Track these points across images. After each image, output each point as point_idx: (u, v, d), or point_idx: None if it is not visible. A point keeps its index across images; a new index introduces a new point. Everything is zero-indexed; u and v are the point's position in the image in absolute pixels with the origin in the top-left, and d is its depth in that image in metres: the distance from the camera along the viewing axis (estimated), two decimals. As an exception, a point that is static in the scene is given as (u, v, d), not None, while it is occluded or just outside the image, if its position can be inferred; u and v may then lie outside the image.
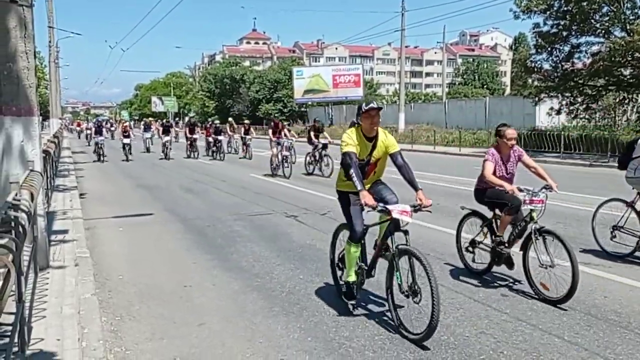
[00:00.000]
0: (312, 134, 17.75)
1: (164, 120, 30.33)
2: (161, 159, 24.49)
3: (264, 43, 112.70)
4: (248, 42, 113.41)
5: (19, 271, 3.40)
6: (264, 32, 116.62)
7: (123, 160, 23.23)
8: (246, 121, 25.82)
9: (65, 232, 7.82)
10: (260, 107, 63.68)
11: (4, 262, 2.79)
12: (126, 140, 24.21)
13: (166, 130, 26.23)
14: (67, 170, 17.38)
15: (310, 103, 55.69)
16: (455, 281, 5.96)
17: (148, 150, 29.60)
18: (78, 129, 54.68)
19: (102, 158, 23.37)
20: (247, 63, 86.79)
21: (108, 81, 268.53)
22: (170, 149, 25.09)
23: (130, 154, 24.14)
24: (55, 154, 14.51)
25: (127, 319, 5.02)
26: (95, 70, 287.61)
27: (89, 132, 38.25)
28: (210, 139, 25.62)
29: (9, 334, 3.33)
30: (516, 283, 5.86)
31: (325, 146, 17.07)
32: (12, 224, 3.53)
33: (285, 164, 16.59)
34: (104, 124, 32.95)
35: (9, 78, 5.44)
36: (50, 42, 34.19)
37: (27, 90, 5.58)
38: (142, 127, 35.07)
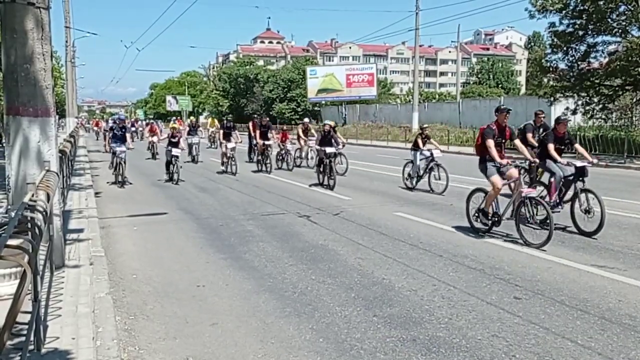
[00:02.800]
0: (301, 133, 19.62)
1: (225, 120, 20.95)
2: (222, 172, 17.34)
3: (277, 42, 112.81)
4: (262, 42, 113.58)
5: (35, 271, 3.45)
6: (278, 32, 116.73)
7: (166, 182, 15.13)
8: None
9: (80, 231, 7.90)
10: (274, 106, 63.81)
11: (20, 263, 2.84)
12: (175, 152, 15.20)
13: (227, 135, 17.88)
14: (83, 169, 17.56)
15: (323, 102, 55.71)
16: (468, 284, 5.93)
17: (195, 160, 21.38)
18: (96, 128, 50.22)
19: (121, 178, 14.61)
20: (261, 62, 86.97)
21: (123, 80, 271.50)
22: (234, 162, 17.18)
23: (177, 172, 15.11)
24: (71, 153, 14.66)
25: (140, 318, 5.07)
26: (111, 69, 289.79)
27: (106, 132, 26.26)
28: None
29: (25, 332, 3.38)
30: (529, 286, 5.82)
31: (335, 155, 14.39)
32: (29, 224, 3.59)
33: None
34: (128, 125, 24.62)
35: (26, 79, 5.51)
36: (67, 42, 34.62)
37: (44, 91, 5.65)
38: (186, 127, 26.73)
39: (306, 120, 21.03)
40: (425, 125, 14.13)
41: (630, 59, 21.10)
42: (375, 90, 52.66)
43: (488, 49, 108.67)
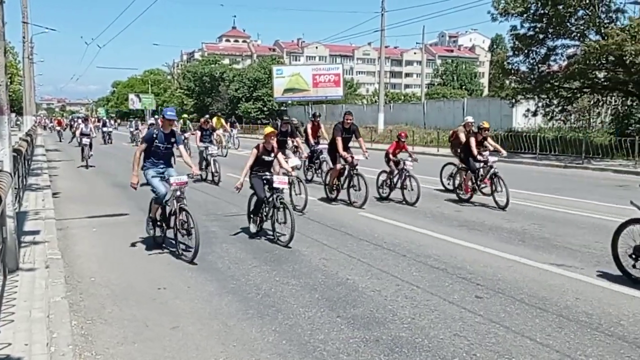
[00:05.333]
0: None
1: (279, 121, 14.91)
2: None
3: (243, 41, 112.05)
4: (228, 40, 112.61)
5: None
6: (244, 30, 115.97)
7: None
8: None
9: (36, 233, 7.66)
10: (239, 105, 63.27)
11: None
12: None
13: (283, 144, 12.75)
14: (40, 168, 17.05)
15: (290, 102, 55.57)
16: (431, 283, 5.98)
17: (216, 179, 14.83)
18: (58, 127, 45.23)
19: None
20: (226, 61, 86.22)
21: (84, 78, 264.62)
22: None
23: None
24: (27, 152, 14.22)
25: (98, 322, 4.93)
26: (71, 66, 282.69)
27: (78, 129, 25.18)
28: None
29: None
30: (490, 285, 5.90)
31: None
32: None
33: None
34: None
35: (-23, 76, 5.31)
36: (24, 37, 33.56)
37: (-4, 88, 5.45)
38: (195, 132, 17.16)
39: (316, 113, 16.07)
40: (484, 125, 11.49)
41: (588, 62, 21.69)
42: (341, 91, 52.79)
43: (452, 50, 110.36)
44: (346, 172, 11.14)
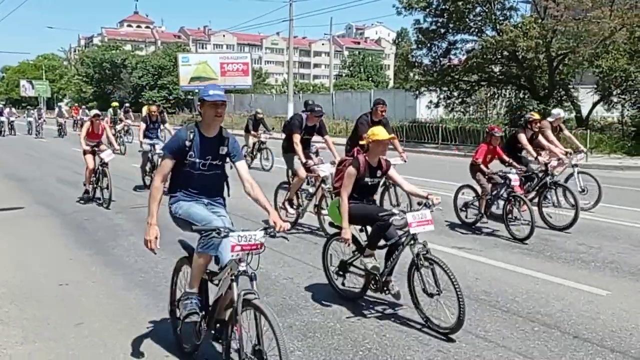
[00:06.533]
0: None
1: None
2: None
3: (146, 27, 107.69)
4: (130, 26, 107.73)
5: None
6: (147, 16, 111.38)
7: None
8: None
9: None
10: (143, 93, 60.88)
11: None
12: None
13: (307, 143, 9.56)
14: None
15: (197, 91, 54.25)
16: (342, 269, 6.11)
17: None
18: None
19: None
20: (128, 47, 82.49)
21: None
22: None
23: None
24: None
25: (-7, 323, 4.61)
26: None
27: None
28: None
29: None
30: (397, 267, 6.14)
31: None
32: None
33: None
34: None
35: None
36: None
37: None
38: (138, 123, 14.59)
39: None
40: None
41: (485, 56, 23.05)
42: (250, 80, 52.23)
43: (359, 43, 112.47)
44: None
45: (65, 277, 5.85)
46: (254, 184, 3.97)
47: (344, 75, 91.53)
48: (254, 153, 16.04)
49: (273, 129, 17.47)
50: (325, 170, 7.66)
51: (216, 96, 3.79)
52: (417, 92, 26.26)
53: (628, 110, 22.03)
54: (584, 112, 23.13)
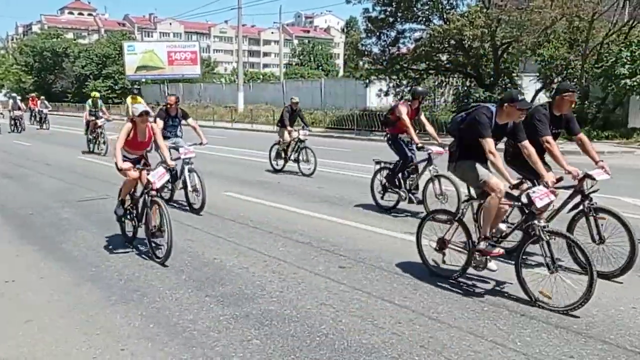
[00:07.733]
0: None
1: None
2: None
3: (89, 14, 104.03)
4: (71, 13, 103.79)
5: None
6: (89, 2, 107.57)
7: None
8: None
9: None
10: (87, 83, 58.92)
11: None
12: None
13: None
14: None
15: (143, 80, 52.94)
16: (297, 257, 6.16)
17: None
18: None
19: None
20: (70, 35, 79.68)
21: None
22: None
23: None
24: None
25: None
26: None
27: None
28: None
29: None
30: (352, 256, 6.23)
31: None
32: None
33: None
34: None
35: None
36: None
37: None
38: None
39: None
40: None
41: (432, 45, 23.46)
42: (199, 69, 51.44)
43: (309, 31, 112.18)
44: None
45: (10, 274, 5.65)
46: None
47: (294, 64, 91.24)
48: (290, 154, 12.65)
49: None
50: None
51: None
52: (367, 80, 26.49)
53: (569, 96, 22.89)
54: (528, 99, 23.88)
